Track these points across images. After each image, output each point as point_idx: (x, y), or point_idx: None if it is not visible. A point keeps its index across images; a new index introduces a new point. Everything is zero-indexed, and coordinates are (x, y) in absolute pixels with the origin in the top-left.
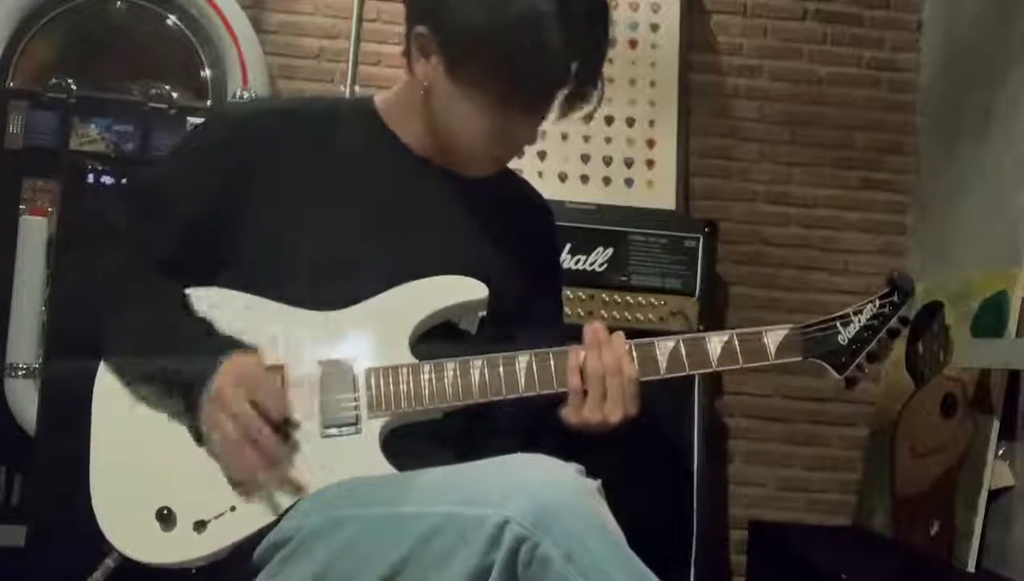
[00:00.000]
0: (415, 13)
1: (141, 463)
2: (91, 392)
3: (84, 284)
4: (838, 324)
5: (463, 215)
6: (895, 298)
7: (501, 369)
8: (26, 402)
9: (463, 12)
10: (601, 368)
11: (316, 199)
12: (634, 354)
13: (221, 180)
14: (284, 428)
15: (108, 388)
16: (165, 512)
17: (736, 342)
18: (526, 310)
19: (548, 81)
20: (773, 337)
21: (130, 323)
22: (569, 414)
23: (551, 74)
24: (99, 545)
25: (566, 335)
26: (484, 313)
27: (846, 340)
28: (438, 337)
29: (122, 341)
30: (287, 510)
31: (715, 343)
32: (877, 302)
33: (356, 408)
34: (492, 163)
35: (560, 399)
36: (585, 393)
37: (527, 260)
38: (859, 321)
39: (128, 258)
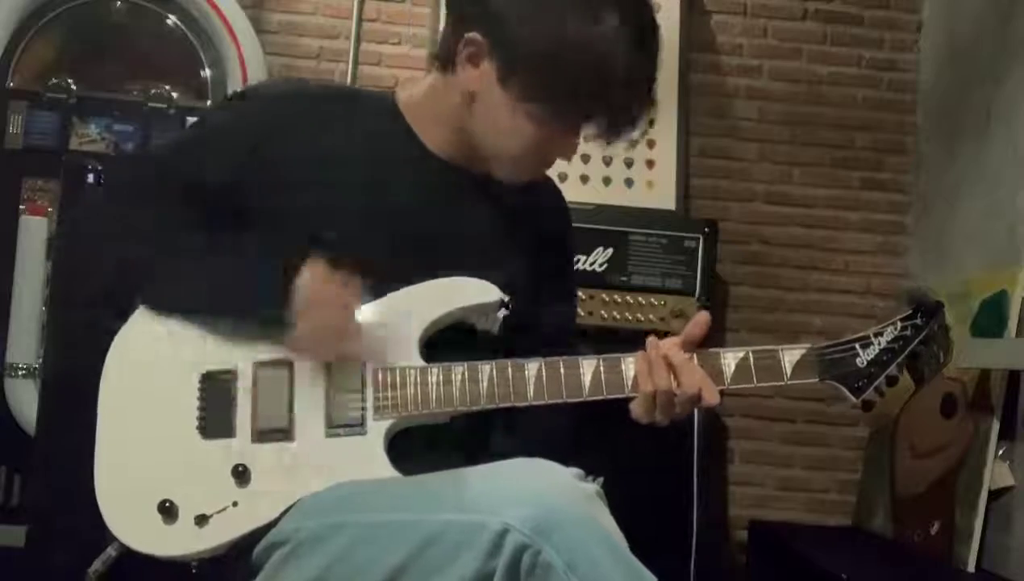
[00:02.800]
0: (468, 18)
1: (146, 455)
2: (92, 390)
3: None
4: (857, 346)
5: (481, 215)
6: (918, 320)
7: (510, 376)
8: (26, 402)
9: (526, 25)
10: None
11: (328, 190)
12: None
13: (234, 160)
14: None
15: (116, 381)
16: (167, 505)
17: (751, 360)
18: (543, 313)
19: (601, 107)
20: (789, 356)
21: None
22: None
23: (606, 101)
24: (99, 545)
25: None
26: (504, 313)
27: (865, 362)
28: (454, 338)
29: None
30: (288, 508)
31: (729, 360)
32: (899, 324)
33: (362, 409)
34: (529, 174)
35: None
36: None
37: (544, 262)
38: (879, 343)
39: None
